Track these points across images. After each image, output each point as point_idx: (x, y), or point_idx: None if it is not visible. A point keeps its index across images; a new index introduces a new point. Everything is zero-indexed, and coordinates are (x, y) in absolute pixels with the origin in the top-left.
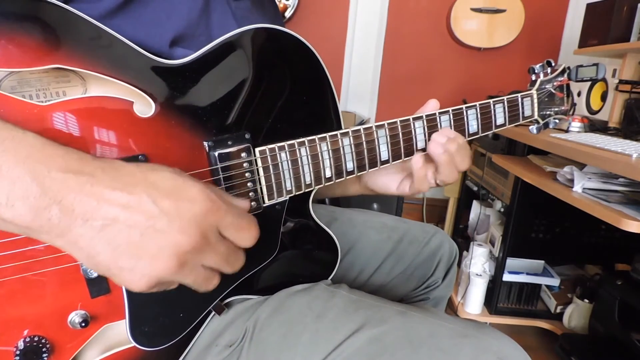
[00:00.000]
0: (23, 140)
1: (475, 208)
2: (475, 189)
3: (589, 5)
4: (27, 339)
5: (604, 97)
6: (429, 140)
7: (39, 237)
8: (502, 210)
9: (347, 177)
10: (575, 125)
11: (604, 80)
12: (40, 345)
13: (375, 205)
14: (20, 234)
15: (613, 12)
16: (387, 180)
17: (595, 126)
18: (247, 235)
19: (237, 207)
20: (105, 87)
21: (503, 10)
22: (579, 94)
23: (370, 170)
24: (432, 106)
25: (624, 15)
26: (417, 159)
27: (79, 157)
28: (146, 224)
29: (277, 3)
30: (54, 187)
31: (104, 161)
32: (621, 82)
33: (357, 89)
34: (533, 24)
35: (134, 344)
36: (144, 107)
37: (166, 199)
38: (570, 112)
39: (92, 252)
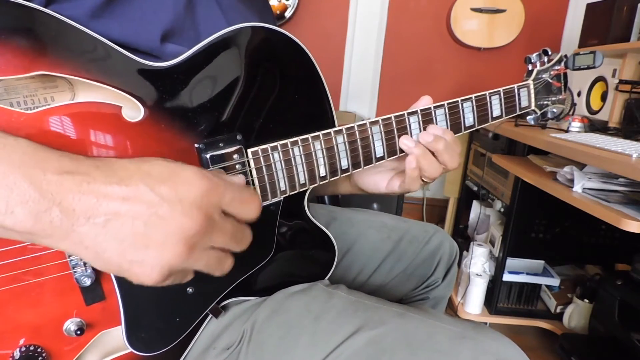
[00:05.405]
0: (16, 147)
1: (475, 208)
2: (475, 189)
3: (589, 5)
4: (23, 349)
5: (604, 97)
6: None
7: (42, 242)
8: (502, 210)
9: (342, 175)
10: (575, 125)
11: (603, 80)
12: (37, 354)
13: (375, 205)
14: (15, 244)
15: (613, 12)
16: (377, 178)
17: (595, 126)
18: (251, 206)
19: (235, 183)
20: (93, 92)
21: (503, 10)
22: (579, 94)
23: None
24: (425, 102)
25: (624, 15)
26: (410, 160)
27: (72, 158)
28: (148, 213)
29: (277, 2)
30: (51, 190)
31: (97, 159)
32: (621, 82)
33: (357, 88)
34: (533, 24)
35: (130, 349)
36: (133, 111)
37: (163, 185)
38: (570, 112)
39: (99, 250)
